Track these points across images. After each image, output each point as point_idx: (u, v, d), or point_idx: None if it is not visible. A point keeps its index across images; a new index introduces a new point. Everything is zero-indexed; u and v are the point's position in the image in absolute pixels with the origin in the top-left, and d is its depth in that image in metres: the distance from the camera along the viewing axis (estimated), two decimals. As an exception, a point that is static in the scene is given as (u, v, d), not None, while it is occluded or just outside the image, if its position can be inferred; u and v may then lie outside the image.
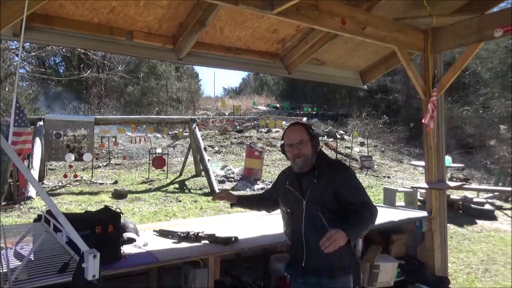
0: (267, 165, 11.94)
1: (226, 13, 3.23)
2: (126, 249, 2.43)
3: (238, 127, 16.66)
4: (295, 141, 2.20)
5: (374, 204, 2.16)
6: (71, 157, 9.51)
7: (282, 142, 2.34)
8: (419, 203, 7.73)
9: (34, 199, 7.58)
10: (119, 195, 8.46)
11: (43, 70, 16.02)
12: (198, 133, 10.74)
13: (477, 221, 7.64)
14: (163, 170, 11.11)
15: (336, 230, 1.83)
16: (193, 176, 10.81)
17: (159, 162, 10.77)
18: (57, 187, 9.29)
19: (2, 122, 9.94)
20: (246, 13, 3.24)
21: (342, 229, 1.85)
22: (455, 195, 8.91)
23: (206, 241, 2.70)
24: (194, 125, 10.76)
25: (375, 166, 13.10)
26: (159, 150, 11.61)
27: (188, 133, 11.74)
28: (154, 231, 2.97)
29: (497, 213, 8.30)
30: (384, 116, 17.70)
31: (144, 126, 12.46)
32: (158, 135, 15.46)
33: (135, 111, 19.25)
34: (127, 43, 3.18)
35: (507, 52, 15.41)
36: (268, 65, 4.08)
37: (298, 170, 2.24)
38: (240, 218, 3.74)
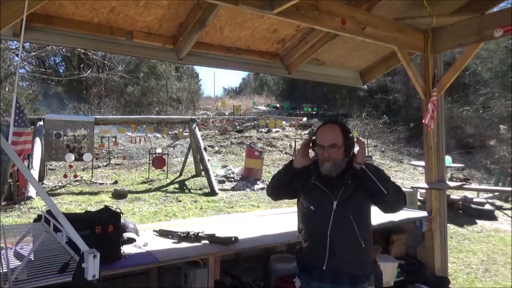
0: (267, 165, 11.93)
1: (226, 13, 3.23)
2: (126, 249, 2.44)
3: (238, 127, 16.63)
4: (326, 143, 2.02)
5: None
6: (71, 157, 9.50)
7: (314, 138, 2.12)
8: (419, 203, 7.72)
9: (34, 199, 7.58)
10: (119, 195, 8.46)
11: (43, 70, 15.99)
12: (198, 133, 10.74)
13: (477, 221, 7.63)
14: (163, 170, 11.10)
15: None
16: (193, 176, 10.81)
17: (159, 162, 10.76)
18: (57, 187, 9.29)
19: (2, 122, 9.91)
20: (246, 13, 3.24)
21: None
22: (455, 195, 8.90)
23: (206, 241, 2.70)
24: (194, 125, 10.75)
25: (375, 166, 13.08)
26: (159, 150, 11.60)
27: (188, 133, 11.73)
28: (154, 231, 2.98)
29: (497, 213, 8.29)
30: (384, 116, 17.67)
31: (144, 126, 12.44)
32: (158, 135, 15.44)
33: (135, 111, 19.21)
34: (127, 43, 3.19)
35: (507, 52, 15.38)
36: (268, 65, 4.08)
37: (325, 173, 2.07)
38: (240, 218, 3.74)
